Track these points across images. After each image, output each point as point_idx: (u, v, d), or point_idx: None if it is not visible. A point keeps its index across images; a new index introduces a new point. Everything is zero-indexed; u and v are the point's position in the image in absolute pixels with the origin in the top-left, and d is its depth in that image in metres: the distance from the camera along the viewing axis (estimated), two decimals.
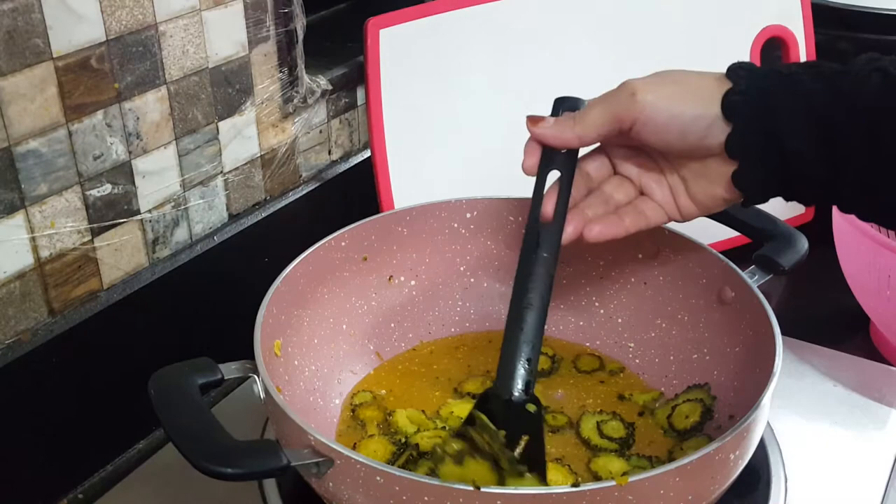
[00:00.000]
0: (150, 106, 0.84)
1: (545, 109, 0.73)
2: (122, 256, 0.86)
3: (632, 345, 0.89)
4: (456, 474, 0.66)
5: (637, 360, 0.89)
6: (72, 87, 0.77)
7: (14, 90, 0.73)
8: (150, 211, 0.88)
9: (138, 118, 0.84)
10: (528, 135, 0.71)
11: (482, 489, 0.58)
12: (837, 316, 1.04)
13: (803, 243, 0.83)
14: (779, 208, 1.01)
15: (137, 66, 0.82)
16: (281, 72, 0.97)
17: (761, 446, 0.82)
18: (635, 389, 0.86)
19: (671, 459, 0.77)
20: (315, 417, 0.80)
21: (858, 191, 0.63)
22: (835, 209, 0.95)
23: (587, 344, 0.92)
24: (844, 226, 0.94)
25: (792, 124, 0.63)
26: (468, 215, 0.92)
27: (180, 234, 0.92)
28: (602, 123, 0.68)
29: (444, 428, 0.78)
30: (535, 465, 0.66)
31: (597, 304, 0.92)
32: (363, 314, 0.89)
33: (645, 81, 0.67)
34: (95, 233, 0.83)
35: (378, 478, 0.60)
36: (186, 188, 0.91)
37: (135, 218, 0.87)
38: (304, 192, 1.05)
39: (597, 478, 0.75)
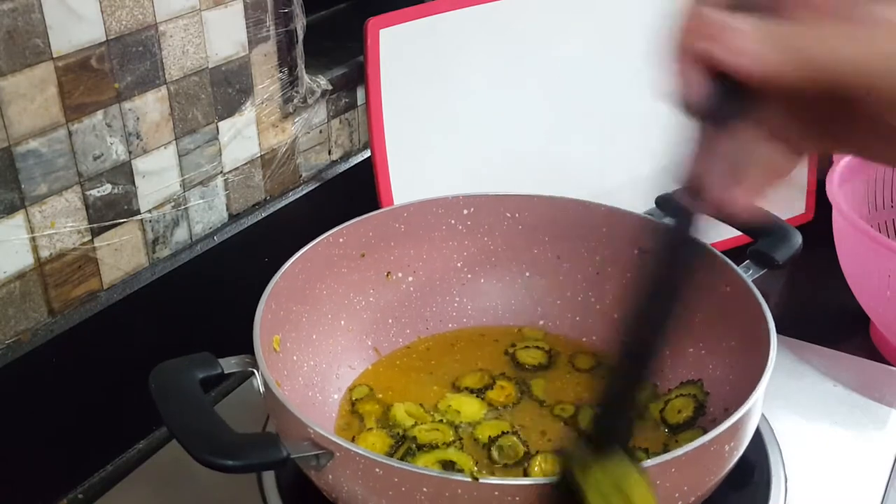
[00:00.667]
0: (150, 106, 0.85)
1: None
2: (122, 256, 0.87)
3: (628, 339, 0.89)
4: None
5: None
6: (72, 87, 0.77)
7: (14, 90, 0.73)
8: (150, 211, 0.88)
9: (138, 118, 0.84)
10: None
11: (480, 480, 0.58)
12: (837, 316, 1.04)
13: (797, 238, 0.83)
14: (778, 207, 1.01)
15: (137, 66, 0.82)
16: (281, 72, 0.97)
17: (761, 446, 0.82)
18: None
19: (666, 452, 0.77)
20: (314, 412, 0.80)
21: None
22: (834, 210, 0.95)
23: (583, 339, 0.92)
24: (844, 226, 0.94)
25: None
26: (465, 212, 0.92)
27: (180, 234, 0.92)
28: (822, 70, 0.42)
29: (441, 421, 0.78)
30: None
31: (593, 299, 0.92)
32: (361, 310, 0.89)
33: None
34: (95, 233, 0.83)
35: (377, 469, 0.60)
36: (186, 188, 0.91)
37: (135, 218, 0.87)
38: (304, 192, 1.05)
39: None
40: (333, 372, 0.85)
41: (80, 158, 0.80)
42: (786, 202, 1.16)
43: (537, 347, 0.89)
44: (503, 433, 0.77)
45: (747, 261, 0.82)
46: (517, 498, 0.58)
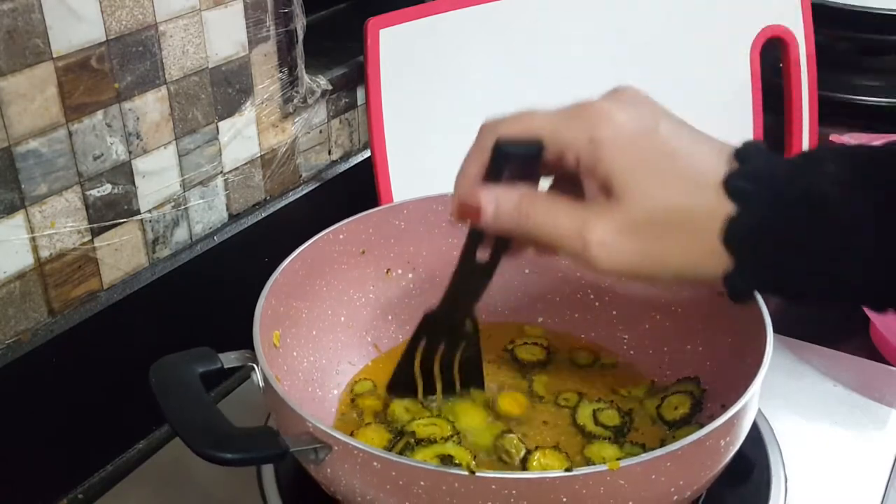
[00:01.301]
0: (150, 106, 0.85)
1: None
2: (122, 256, 0.87)
3: (626, 337, 0.90)
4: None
5: (632, 352, 0.89)
6: (72, 87, 0.77)
7: (14, 90, 0.73)
8: (150, 211, 0.88)
9: (138, 118, 0.84)
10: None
11: (477, 474, 0.58)
12: (837, 316, 1.04)
13: None
14: None
15: (137, 66, 0.82)
16: (281, 72, 0.98)
17: (761, 446, 0.82)
18: (629, 381, 0.86)
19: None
20: (313, 407, 0.80)
21: None
22: None
23: (582, 336, 0.92)
24: None
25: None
26: None
27: (180, 234, 0.92)
28: (549, 244, 0.59)
29: (438, 416, 0.78)
30: (473, 378, 0.80)
31: (592, 296, 0.92)
32: (361, 306, 0.89)
33: (609, 242, 0.56)
34: (95, 233, 0.83)
35: (375, 463, 0.60)
36: (186, 188, 0.91)
37: (135, 218, 0.87)
38: (304, 192, 1.05)
39: (589, 463, 0.75)
40: (333, 368, 0.85)
41: (80, 158, 0.80)
42: None
43: (536, 344, 0.89)
44: (503, 433, 0.77)
45: None
46: (514, 491, 0.58)
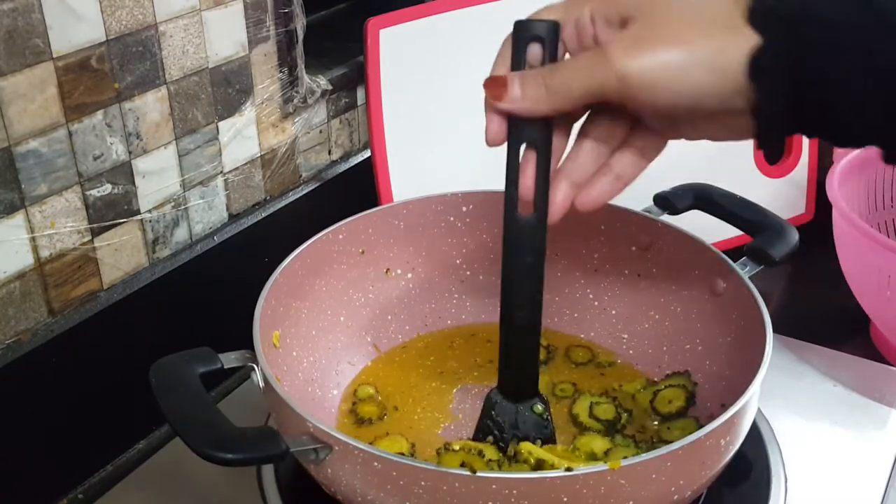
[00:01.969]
0: (150, 106, 0.85)
1: None
2: (122, 256, 0.87)
3: (625, 336, 0.90)
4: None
5: (631, 351, 0.89)
6: (72, 87, 0.77)
7: (14, 90, 0.73)
8: (150, 211, 0.88)
9: (138, 118, 0.84)
10: None
11: (478, 474, 0.58)
12: (837, 316, 1.04)
13: (794, 235, 0.84)
14: (777, 207, 1.01)
15: (137, 66, 0.82)
16: (281, 72, 0.98)
17: (761, 446, 0.82)
18: (628, 379, 0.86)
19: (660, 440, 0.78)
20: (313, 407, 0.80)
21: None
22: (834, 210, 0.95)
23: (581, 335, 0.92)
24: (844, 226, 0.94)
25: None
26: (464, 209, 0.92)
27: (180, 234, 0.92)
28: (582, 97, 0.57)
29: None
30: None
31: (591, 295, 0.93)
32: (361, 306, 0.90)
33: (631, 50, 0.54)
34: (95, 233, 0.83)
35: (376, 463, 0.61)
36: (186, 188, 0.91)
37: (135, 218, 0.87)
38: (304, 192, 1.05)
39: (577, 453, 0.75)
40: (333, 368, 0.86)
41: (80, 158, 0.80)
42: (786, 202, 1.16)
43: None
44: None
45: (744, 257, 0.82)
46: (514, 491, 0.58)
